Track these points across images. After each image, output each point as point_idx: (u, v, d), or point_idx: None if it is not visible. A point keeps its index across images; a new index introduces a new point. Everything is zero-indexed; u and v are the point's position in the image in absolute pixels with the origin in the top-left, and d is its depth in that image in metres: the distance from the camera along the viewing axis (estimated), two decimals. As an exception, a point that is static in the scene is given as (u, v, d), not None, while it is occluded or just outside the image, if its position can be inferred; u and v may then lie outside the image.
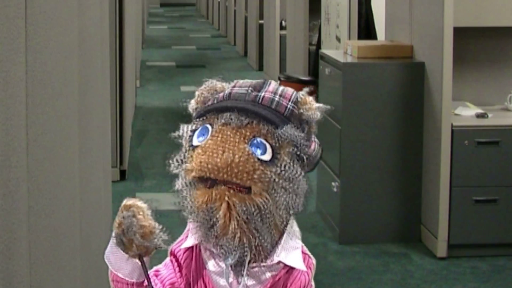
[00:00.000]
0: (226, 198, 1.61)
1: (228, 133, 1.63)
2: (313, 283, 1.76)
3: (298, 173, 1.65)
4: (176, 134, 1.70)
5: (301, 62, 8.65)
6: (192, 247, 1.76)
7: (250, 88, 1.68)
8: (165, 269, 1.79)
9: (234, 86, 1.71)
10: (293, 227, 1.73)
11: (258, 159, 1.61)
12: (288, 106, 1.66)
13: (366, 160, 5.02)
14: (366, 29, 6.88)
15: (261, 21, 11.94)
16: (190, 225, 1.75)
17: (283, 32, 10.32)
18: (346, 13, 6.63)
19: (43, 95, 2.09)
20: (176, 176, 1.69)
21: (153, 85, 11.21)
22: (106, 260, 1.74)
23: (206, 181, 1.63)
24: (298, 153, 1.65)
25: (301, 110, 1.67)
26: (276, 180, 1.62)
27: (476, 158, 4.71)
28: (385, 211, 5.05)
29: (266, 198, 1.61)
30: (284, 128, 1.63)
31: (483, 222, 4.74)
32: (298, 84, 7.30)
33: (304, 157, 1.66)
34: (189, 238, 1.75)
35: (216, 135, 1.64)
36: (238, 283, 1.70)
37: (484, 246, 4.80)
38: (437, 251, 4.79)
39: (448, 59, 4.67)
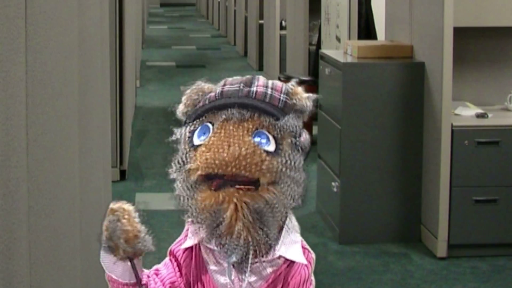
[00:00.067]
0: (235, 200, 1.61)
1: (231, 128, 1.63)
2: (313, 277, 1.77)
3: (300, 162, 1.67)
4: (173, 138, 1.70)
5: (301, 62, 8.65)
6: (192, 247, 1.76)
7: (242, 84, 1.69)
8: (165, 269, 1.80)
9: (224, 85, 1.71)
10: (292, 221, 1.74)
11: (264, 150, 1.62)
12: (281, 98, 1.68)
13: (366, 160, 5.02)
14: (366, 29, 6.88)
15: (261, 21, 11.93)
16: (189, 226, 1.75)
17: (283, 32, 10.31)
18: (346, 13, 6.62)
19: (43, 95, 2.09)
20: (175, 179, 1.68)
21: (153, 85, 11.21)
22: (101, 262, 1.75)
23: (211, 180, 1.62)
24: (297, 143, 1.67)
25: (294, 101, 1.68)
26: (283, 170, 1.63)
27: (476, 158, 4.71)
28: (385, 211, 5.05)
29: (273, 192, 1.62)
30: (285, 119, 1.65)
31: (483, 222, 4.74)
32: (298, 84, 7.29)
33: (300, 147, 1.68)
34: (189, 239, 1.75)
35: (218, 132, 1.64)
36: (240, 280, 1.71)
37: (484, 246, 4.79)
38: (437, 251, 4.79)
39: (448, 59, 4.67)
